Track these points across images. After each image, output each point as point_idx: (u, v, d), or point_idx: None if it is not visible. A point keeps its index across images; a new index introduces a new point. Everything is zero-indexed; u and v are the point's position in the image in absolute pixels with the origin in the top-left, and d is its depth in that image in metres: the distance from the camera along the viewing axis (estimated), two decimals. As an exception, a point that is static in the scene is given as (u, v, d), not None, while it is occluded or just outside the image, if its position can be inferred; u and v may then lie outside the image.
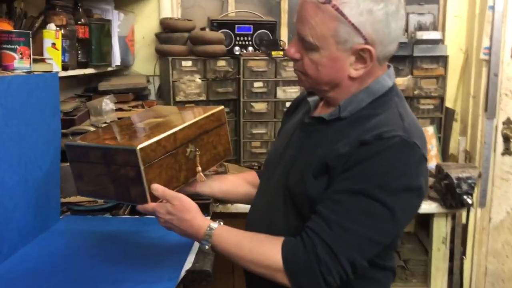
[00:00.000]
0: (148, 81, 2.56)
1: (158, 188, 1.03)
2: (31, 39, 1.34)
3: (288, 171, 1.01)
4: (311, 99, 1.07)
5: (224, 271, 1.65)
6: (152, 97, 2.57)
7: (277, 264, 0.91)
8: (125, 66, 2.50)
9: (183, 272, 1.17)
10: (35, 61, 1.48)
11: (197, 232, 1.00)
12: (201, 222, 1.00)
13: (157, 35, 2.43)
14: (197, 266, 1.21)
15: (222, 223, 1.01)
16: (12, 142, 1.24)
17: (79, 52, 1.84)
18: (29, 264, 1.23)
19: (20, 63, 1.32)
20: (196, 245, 1.31)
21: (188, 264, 1.21)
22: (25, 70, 1.34)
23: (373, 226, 0.88)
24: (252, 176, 1.30)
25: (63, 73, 1.61)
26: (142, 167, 1.00)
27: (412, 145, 0.89)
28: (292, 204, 0.98)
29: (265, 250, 0.93)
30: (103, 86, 2.22)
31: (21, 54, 1.31)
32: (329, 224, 0.88)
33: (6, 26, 1.35)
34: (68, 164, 1.69)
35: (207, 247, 1.00)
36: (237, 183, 1.28)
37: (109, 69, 2.24)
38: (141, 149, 1.00)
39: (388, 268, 1.02)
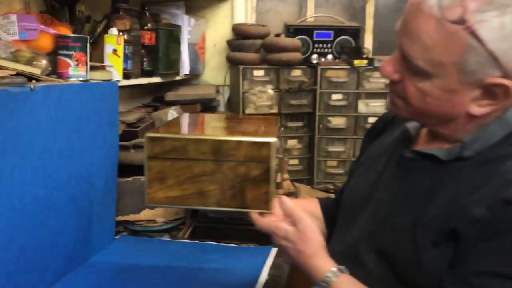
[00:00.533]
0: (218, 91, 2.44)
1: (287, 202, 0.85)
2: (88, 44, 1.25)
3: (379, 222, 0.79)
4: (411, 125, 0.84)
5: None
6: (221, 108, 2.45)
7: None
8: (194, 75, 2.41)
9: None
10: (94, 68, 1.40)
11: (313, 273, 0.81)
12: (321, 263, 0.81)
13: (229, 42, 2.31)
14: (258, 315, 1.04)
15: (346, 271, 0.81)
16: (61, 158, 1.14)
17: (145, 59, 1.75)
18: (73, 294, 1.12)
19: (76, 71, 1.22)
20: (260, 285, 1.15)
21: (248, 311, 1.04)
22: (81, 78, 1.24)
23: None
24: (313, 205, 1.09)
25: (124, 82, 1.52)
26: (272, 164, 0.85)
27: None
28: (390, 270, 0.76)
29: None
30: (170, 96, 2.13)
31: (76, 60, 1.22)
32: None
33: (64, 31, 1.27)
34: (126, 179, 1.61)
35: None
36: None
37: (177, 78, 2.15)
38: (275, 142, 0.85)
39: None
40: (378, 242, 0.78)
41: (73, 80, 1.22)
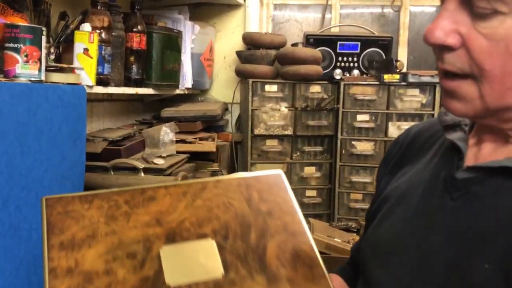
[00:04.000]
0: (226, 109, 2.23)
1: None
2: (44, 37, 1.05)
3: (437, 278, 0.54)
4: (456, 137, 0.59)
5: None
6: (229, 129, 2.23)
7: None
8: (199, 90, 2.21)
9: None
10: (61, 71, 1.20)
11: None
12: None
13: (238, 53, 2.10)
14: None
15: None
16: (-7, 176, 0.93)
17: (133, 66, 1.55)
18: None
19: (25, 69, 1.02)
20: None
21: None
22: (32, 78, 1.04)
23: None
24: (337, 285, 0.75)
25: (99, 89, 1.32)
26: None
27: None
28: None
29: None
30: (166, 112, 1.93)
31: (26, 56, 1.02)
32: None
33: (17, 21, 1.08)
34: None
35: None
36: None
37: (177, 92, 1.95)
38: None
39: None
40: None
41: (21, 80, 1.03)
